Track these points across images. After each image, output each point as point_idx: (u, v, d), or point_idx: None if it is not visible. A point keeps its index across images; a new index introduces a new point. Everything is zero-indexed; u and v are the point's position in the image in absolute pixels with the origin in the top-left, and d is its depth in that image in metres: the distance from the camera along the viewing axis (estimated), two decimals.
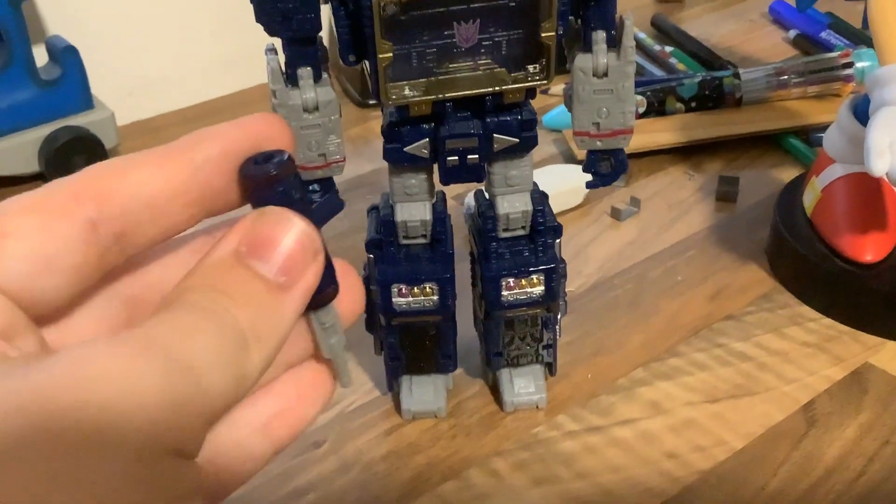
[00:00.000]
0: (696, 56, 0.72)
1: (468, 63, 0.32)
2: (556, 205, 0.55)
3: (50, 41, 0.59)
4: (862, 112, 0.45)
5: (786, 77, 0.62)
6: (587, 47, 0.33)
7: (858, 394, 0.41)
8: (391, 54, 0.31)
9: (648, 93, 0.62)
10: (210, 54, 0.69)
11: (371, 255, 0.38)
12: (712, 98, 0.62)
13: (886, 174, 0.39)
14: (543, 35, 0.32)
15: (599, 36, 0.33)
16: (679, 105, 0.62)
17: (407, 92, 0.32)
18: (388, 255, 0.37)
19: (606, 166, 0.36)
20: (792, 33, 0.76)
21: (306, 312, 0.24)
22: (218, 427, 0.23)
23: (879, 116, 0.40)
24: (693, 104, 0.62)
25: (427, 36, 0.32)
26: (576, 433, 0.40)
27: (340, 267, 0.25)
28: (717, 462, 0.38)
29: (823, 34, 0.74)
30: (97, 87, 0.61)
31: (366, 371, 0.43)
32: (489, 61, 0.32)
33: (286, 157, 0.23)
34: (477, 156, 0.35)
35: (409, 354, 0.40)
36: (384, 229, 0.37)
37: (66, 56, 0.58)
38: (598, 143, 0.35)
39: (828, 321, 0.45)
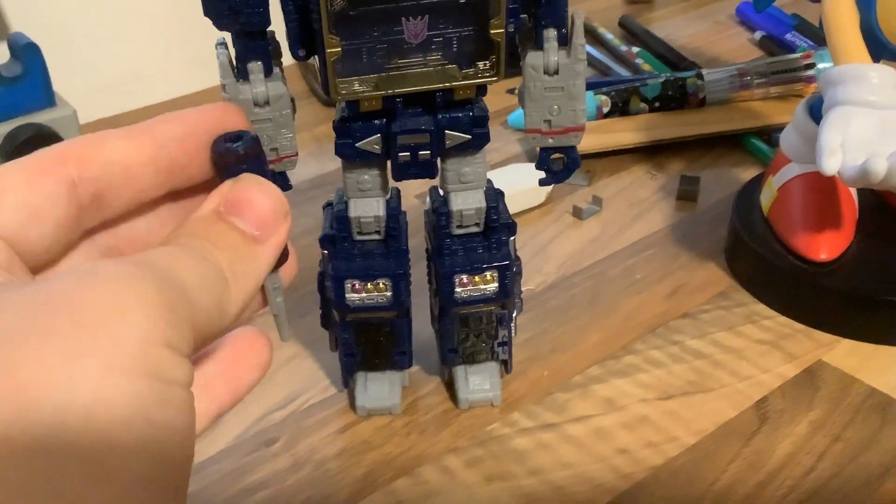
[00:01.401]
0: (662, 57, 0.72)
1: (418, 59, 0.32)
2: (518, 203, 0.55)
3: (12, 38, 0.59)
4: (817, 112, 0.45)
5: (748, 78, 0.62)
6: (539, 45, 0.34)
7: (811, 391, 0.41)
8: (339, 49, 0.31)
9: (613, 93, 0.62)
10: (176, 53, 0.69)
11: (325, 251, 0.38)
12: (675, 98, 0.62)
13: (838, 173, 0.40)
14: (493, 32, 0.32)
15: (550, 34, 0.33)
16: (643, 105, 0.62)
17: (357, 87, 0.32)
18: (342, 250, 0.37)
19: (559, 164, 0.36)
20: (758, 35, 0.76)
21: None
22: None
23: (831, 116, 0.41)
24: (657, 104, 0.62)
25: (376, 31, 0.32)
26: (530, 430, 0.40)
27: None
28: (669, 458, 0.38)
29: (789, 36, 0.74)
30: (61, 85, 0.61)
31: (321, 369, 0.43)
32: (439, 57, 0.32)
33: (253, 136, 0.27)
34: (428, 152, 0.35)
35: (364, 351, 0.40)
36: (338, 225, 0.37)
37: (27, 53, 0.58)
38: (550, 140, 0.35)
39: (783, 319, 0.45)
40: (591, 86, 0.64)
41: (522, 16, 0.34)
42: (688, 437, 0.39)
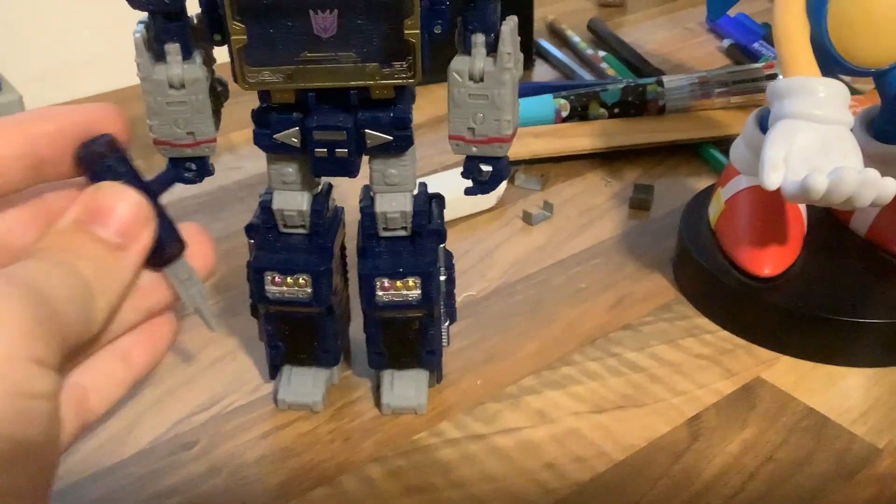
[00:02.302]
0: (627, 62, 0.72)
1: (329, 54, 0.31)
2: (468, 206, 0.54)
3: None
4: (766, 124, 0.44)
5: (709, 86, 0.61)
6: (467, 50, 0.33)
7: (746, 409, 0.40)
8: (244, 37, 0.31)
9: (572, 97, 0.61)
10: (125, 40, 0.67)
11: (251, 240, 0.37)
12: (635, 105, 0.61)
13: (780, 188, 0.39)
14: (407, 32, 0.31)
15: (478, 39, 0.32)
16: (602, 110, 0.61)
17: (266, 77, 0.32)
18: (266, 241, 0.37)
19: (486, 174, 0.35)
20: (726, 43, 0.75)
21: (161, 269, 0.29)
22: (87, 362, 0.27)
23: (776, 129, 0.40)
24: (616, 110, 0.61)
25: (287, 21, 0.31)
26: (457, 441, 0.39)
27: (191, 228, 0.30)
28: (596, 474, 0.37)
29: (756, 45, 0.73)
30: (7, 71, 0.60)
31: (248, 371, 0.42)
32: (352, 54, 0.31)
33: (108, 138, 0.28)
34: (346, 150, 0.34)
35: (289, 344, 0.39)
36: (263, 215, 0.36)
37: None
38: (474, 148, 0.34)
39: (724, 334, 0.45)
40: (550, 89, 0.63)
41: (459, 18, 0.33)
42: (617, 452, 0.38)
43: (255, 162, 0.59)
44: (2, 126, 0.26)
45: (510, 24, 0.32)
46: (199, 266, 0.30)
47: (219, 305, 0.46)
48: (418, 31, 0.31)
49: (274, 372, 0.40)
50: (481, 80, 0.32)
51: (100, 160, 0.27)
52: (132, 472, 0.37)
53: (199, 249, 0.29)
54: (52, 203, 0.29)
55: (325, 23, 0.31)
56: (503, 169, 0.35)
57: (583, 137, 0.59)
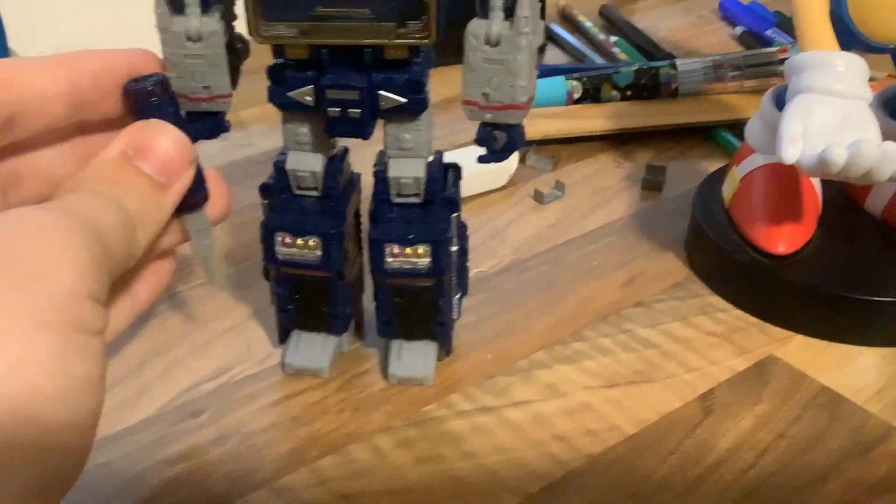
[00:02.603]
0: (639, 48, 0.71)
1: (343, 10, 0.31)
2: (480, 185, 0.54)
3: None
4: (783, 101, 0.44)
5: (723, 70, 0.61)
6: (483, 13, 0.32)
7: (759, 385, 0.40)
8: None
9: (584, 79, 0.61)
10: (141, 15, 0.67)
11: (265, 201, 0.37)
12: (648, 87, 0.61)
13: (797, 162, 0.38)
14: None
15: (497, 2, 0.32)
16: (614, 93, 0.61)
17: (281, 31, 0.32)
18: (280, 202, 0.37)
19: (499, 141, 0.35)
20: (738, 30, 0.75)
21: (180, 216, 0.30)
22: None
23: (794, 104, 0.39)
24: (628, 92, 0.61)
25: None
26: (467, 413, 0.38)
27: (211, 175, 0.31)
28: (607, 447, 0.37)
29: (769, 32, 0.73)
30: (22, 49, 0.59)
31: (259, 342, 0.42)
32: (367, 12, 0.31)
33: (160, 77, 0.29)
34: (359, 110, 0.33)
35: (299, 308, 0.39)
36: (276, 175, 0.36)
37: None
38: (488, 115, 0.34)
39: (737, 312, 0.44)
40: (563, 71, 0.63)
41: None
42: (629, 426, 0.38)
43: (265, 139, 0.59)
44: (46, 63, 0.27)
45: None
46: (217, 210, 0.31)
47: (228, 277, 0.46)
48: None
49: (284, 336, 0.40)
50: (497, 44, 0.32)
51: (148, 97, 0.28)
52: (140, 439, 0.37)
53: (217, 194, 0.31)
54: (91, 139, 0.30)
55: None
56: (517, 137, 0.35)
57: (595, 119, 0.59)
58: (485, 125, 0.34)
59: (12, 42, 0.58)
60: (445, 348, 0.40)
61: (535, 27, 0.33)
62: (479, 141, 0.35)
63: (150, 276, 0.30)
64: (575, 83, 0.61)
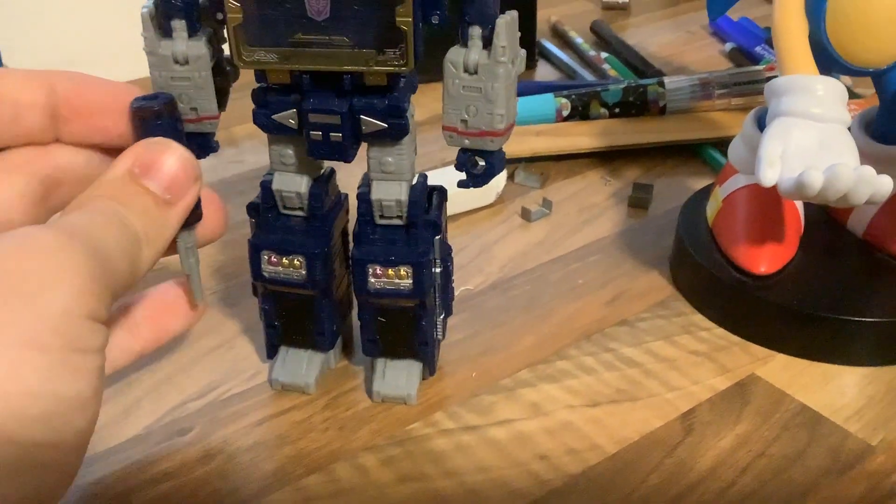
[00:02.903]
0: (629, 64, 0.72)
1: (323, 38, 0.32)
2: (467, 202, 0.54)
3: None
4: (765, 122, 0.44)
5: (710, 88, 0.61)
6: (463, 42, 0.33)
7: (740, 405, 0.40)
8: (239, 16, 0.31)
9: (573, 96, 0.62)
10: (132, 32, 0.67)
11: (252, 219, 0.38)
12: (636, 105, 0.61)
13: (777, 184, 0.39)
14: (398, 20, 0.31)
15: (475, 31, 0.33)
16: (603, 110, 0.62)
17: (262, 57, 0.32)
18: (266, 221, 0.37)
19: (479, 167, 0.35)
20: (728, 46, 0.76)
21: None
22: None
23: (773, 127, 0.40)
24: (617, 110, 0.61)
25: (281, 2, 0.31)
26: (450, 431, 0.39)
27: (206, 194, 0.31)
28: (588, 466, 0.37)
29: (759, 48, 0.74)
30: (15, 62, 0.60)
31: (246, 359, 0.43)
32: (345, 39, 0.32)
33: (169, 97, 0.30)
34: (340, 134, 0.34)
35: (285, 325, 0.40)
36: (263, 194, 0.37)
37: None
38: (466, 141, 0.34)
39: (720, 331, 0.45)
40: (552, 88, 0.63)
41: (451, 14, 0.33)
42: (610, 445, 0.38)
43: (256, 155, 0.60)
44: (24, 75, 0.28)
45: (507, 18, 0.32)
46: (214, 230, 0.32)
47: (217, 294, 0.47)
48: (410, 19, 0.31)
49: (271, 352, 0.41)
50: (475, 72, 0.33)
51: (155, 116, 0.28)
52: (127, 457, 0.37)
53: (213, 215, 0.31)
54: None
55: (318, 5, 0.31)
56: (496, 163, 0.35)
57: (583, 136, 0.60)
58: (464, 151, 0.35)
59: (10, 56, 0.58)
60: (429, 368, 0.41)
61: (515, 56, 0.33)
62: (458, 166, 0.35)
63: (155, 316, 0.31)
64: (564, 100, 0.61)
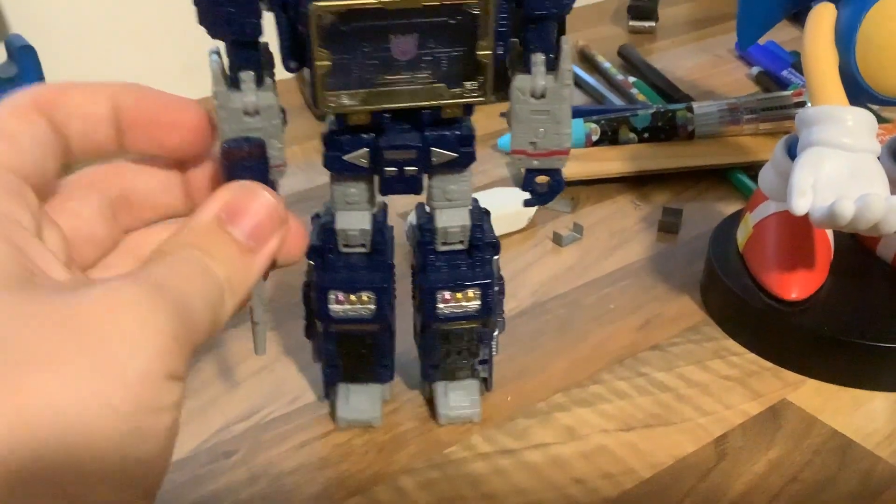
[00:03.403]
0: (656, 88, 0.73)
1: (406, 76, 0.33)
2: (500, 227, 0.55)
3: (9, 40, 0.60)
4: (795, 151, 0.45)
5: (738, 113, 0.62)
6: (527, 68, 0.34)
7: (772, 430, 0.41)
8: (329, 63, 0.32)
9: (603, 121, 0.63)
10: (172, 62, 0.69)
11: (311, 262, 0.38)
12: (665, 130, 0.62)
13: (808, 213, 0.40)
14: (480, 53, 0.32)
15: (538, 58, 0.34)
16: (632, 135, 0.62)
17: (345, 101, 0.33)
18: (328, 262, 0.38)
19: (544, 185, 0.37)
20: (755, 70, 0.76)
21: None
22: None
23: (804, 156, 0.41)
24: (646, 135, 0.62)
25: (366, 47, 0.32)
26: (488, 455, 0.40)
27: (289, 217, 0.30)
28: (623, 490, 0.38)
29: (785, 72, 0.74)
30: None
31: (287, 382, 0.44)
32: (427, 75, 0.33)
33: (260, 141, 0.30)
34: (415, 168, 0.35)
35: (346, 362, 0.40)
36: (325, 236, 0.37)
37: (23, 55, 0.58)
38: (535, 162, 0.36)
39: (751, 356, 0.45)
40: (581, 113, 0.64)
41: (513, 39, 0.35)
42: (644, 470, 0.39)
43: (292, 179, 0.61)
44: (90, 87, 0.28)
45: (569, 44, 0.34)
46: (292, 251, 0.31)
47: None
48: (491, 53, 0.32)
49: (328, 390, 0.41)
50: (542, 96, 0.34)
51: (245, 159, 0.29)
52: (174, 479, 0.38)
53: (294, 237, 0.30)
54: (191, 172, 0.31)
55: (405, 46, 0.32)
56: (561, 180, 0.37)
57: (613, 161, 0.61)
58: (530, 171, 0.36)
59: (52, 79, 0.60)
60: (487, 385, 0.42)
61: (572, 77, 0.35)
62: (525, 186, 0.36)
63: None
64: (593, 125, 0.62)
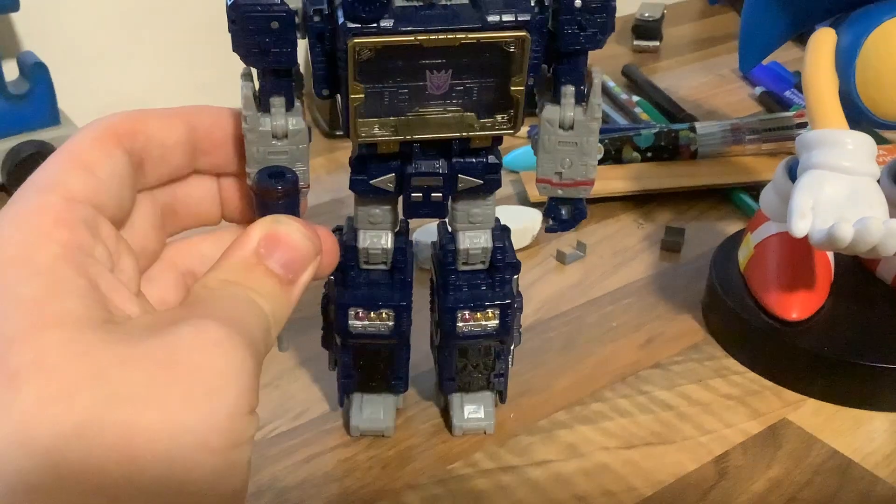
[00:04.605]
0: (660, 107, 0.73)
1: (438, 108, 0.33)
2: None
3: (21, 57, 0.61)
4: (796, 173, 0.46)
5: (741, 133, 0.63)
6: (556, 99, 0.35)
7: (772, 449, 0.41)
8: (363, 95, 0.32)
9: (606, 140, 0.63)
10: (184, 78, 0.70)
11: (331, 277, 0.39)
12: (668, 149, 0.63)
13: (808, 235, 0.40)
14: (513, 89, 0.32)
15: (569, 90, 0.34)
16: (635, 154, 0.63)
17: (377, 131, 0.33)
18: (349, 278, 0.38)
19: (567, 213, 0.37)
20: (758, 90, 0.77)
21: None
22: None
23: (804, 179, 0.41)
24: (649, 154, 0.63)
25: (400, 79, 0.33)
26: (490, 471, 0.40)
27: (322, 232, 0.31)
28: None
29: (788, 93, 0.75)
30: (67, 104, 0.63)
31: (292, 398, 0.44)
32: (459, 107, 0.33)
33: (295, 177, 0.30)
34: (441, 194, 0.36)
35: (362, 373, 0.41)
36: (346, 253, 0.38)
37: (34, 72, 0.59)
38: (560, 191, 0.36)
39: (752, 375, 0.46)
40: None
41: (542, 65, 0.35)
42: (645, 488, 0.39)
43: None
44: (166, 115, 0.29)
45: (600, 77, 0.34)
46: (328, 265, 0.31)
47: None
48: (524, 88, 0.32)
49: (342, 400, 0.42)
50: (571, 128, 0.34)
51: (279, 195, 0.29)
52: None
53: (326, 254, 0.31)
54: (224, 183, 0.32)
55: (439, 81, 0.32)
56: (583, 208, 0.37)
57: (617, 180, 0.61)
58: (553, 200, 0.37)
59: (62, 98, 0.61)
60: (501, 396, 0.42)
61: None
62: (548, 213, 0.37)
63: None
64: (598, 145, 0.63)
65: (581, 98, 0.34)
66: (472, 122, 0.34)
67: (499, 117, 0.34)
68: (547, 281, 0.54)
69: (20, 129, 0.60)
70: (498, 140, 0.35)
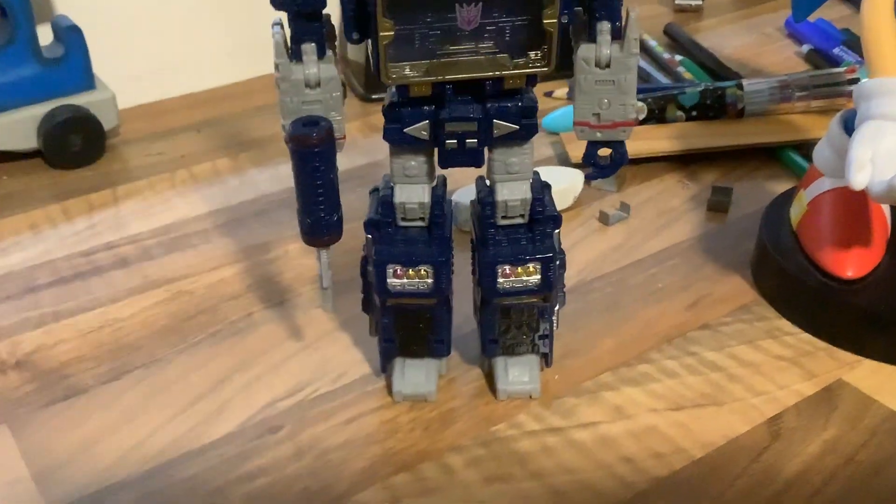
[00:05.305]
0: (704, 66, 0.71)
1: (470, 46, 0.32)
2: None
3: (55, 21, 0.60)
4: (852, 126, 0.44)
5: (790, 90, 0.61)
6: (592, 38, 0.34)
7: (827, 410, 0.40)
8: (392, 33, 0.31)
9: (649, 99, 0.61)
10: (218, 42, 0.69)
11: (369, 235, 0.38)
12: (714, 108, 0.61)
13: (866, 187, 0.39)
14: (545, 22, 0.32)
15: (604, 27, 0.33)
16: (679, 113, 0.61)
17: (407, 72, 0.33)
18: (386, 235, 0.37)
19: (606, 158, 0.36)
20: (805, 48, 0.75)
21: (321, 249, 0.35)
22: None
23: (862, 130, 0.40)
24: (694, 113, 0.61)
25: (429, 17, 0.32)
26: (535, 433, 0.39)
27: None
28: (673, 470, 0.37)
29: (836, 50, 0.73)
30: (102, 69, 0.62)
31: (332, 360, 0.43)
32: (491, 45, 0.32)
33: (329, 125, 0.30)
34: (476, 140, 0.35)
35: (403, 337, 0.40)
36: (383, 210, 0.37)
37: (69, 35, 0.59)
38: (598, 134, 0.35)
39: (805, 336, 0.44)
40: None
41: (577, 8, 0.34)
42: (695, 449, 0.38)
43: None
44: None
45: (636, 12, 0.33)
46: None
47: (301, 298, 0.48)
48: (556, 21, 0.31)
49: (385, 365, 0.41)
50: (607, 66, 0.33)
51: (315, 143, 0.30)
52: (221, 453, 0.38)
53: None
54: None
55: (469, 16, 0.32)
56: (624, 153, 0.36)
57: (660, 140, 0.60)
58: (592, 144, 0.35)
59: (96, 62, 0.60)
60: (547, 360, 0.41)
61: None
62: (586, 158, 0.36)
63: None
64: (640, 104, 0.61)
65: (617, 34, 0.33)
66: (505, 61, 0.33)
67: (532, 54, 0.33)
68: (590, 242, 0.52)
69: (55, 94, 0.59)
70: (532, 81, 0.34)
